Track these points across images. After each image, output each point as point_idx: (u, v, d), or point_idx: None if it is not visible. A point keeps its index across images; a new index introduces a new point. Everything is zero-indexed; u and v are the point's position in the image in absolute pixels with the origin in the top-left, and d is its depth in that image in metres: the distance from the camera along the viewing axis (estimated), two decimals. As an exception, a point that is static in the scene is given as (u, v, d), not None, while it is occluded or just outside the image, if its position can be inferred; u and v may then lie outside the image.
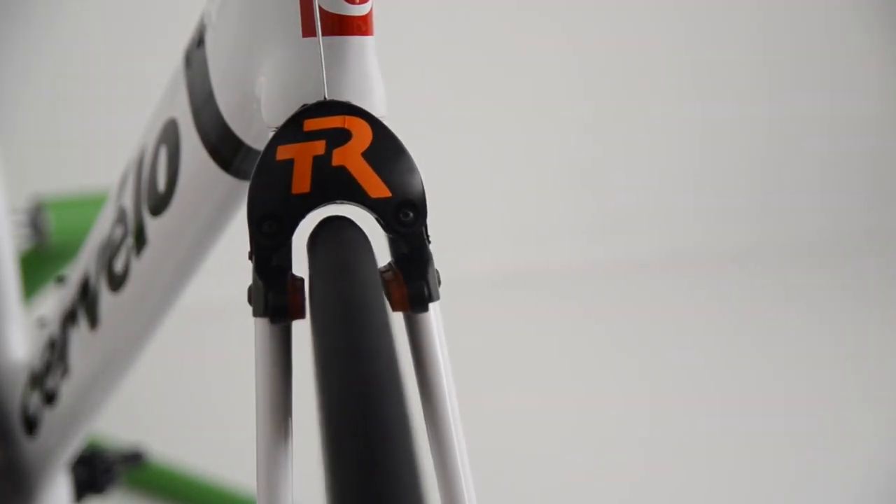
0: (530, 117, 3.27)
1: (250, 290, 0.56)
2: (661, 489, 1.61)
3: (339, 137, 0.56)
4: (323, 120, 0.56)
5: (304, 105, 0.57)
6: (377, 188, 0.56)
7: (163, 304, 0.78)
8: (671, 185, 3.54)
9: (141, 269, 0.76)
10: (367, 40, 0.58)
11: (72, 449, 0.96)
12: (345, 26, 0.57)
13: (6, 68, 2.58)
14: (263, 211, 0.55)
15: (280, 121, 0.58)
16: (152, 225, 0.73)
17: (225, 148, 0.66)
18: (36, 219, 1.39)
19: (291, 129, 0.55)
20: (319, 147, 0.55)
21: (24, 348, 1.07)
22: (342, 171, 0.55)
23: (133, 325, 0.80)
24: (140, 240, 0.74)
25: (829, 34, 3.71)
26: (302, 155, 0.55)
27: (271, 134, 0.59)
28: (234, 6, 0.62)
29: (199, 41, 0.67)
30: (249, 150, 0.66)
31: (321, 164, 0.55)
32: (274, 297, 0.54)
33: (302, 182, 0.55)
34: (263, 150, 0.56)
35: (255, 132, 0.64)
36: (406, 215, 0.56)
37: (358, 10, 0.57)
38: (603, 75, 3.52)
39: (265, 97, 0.59)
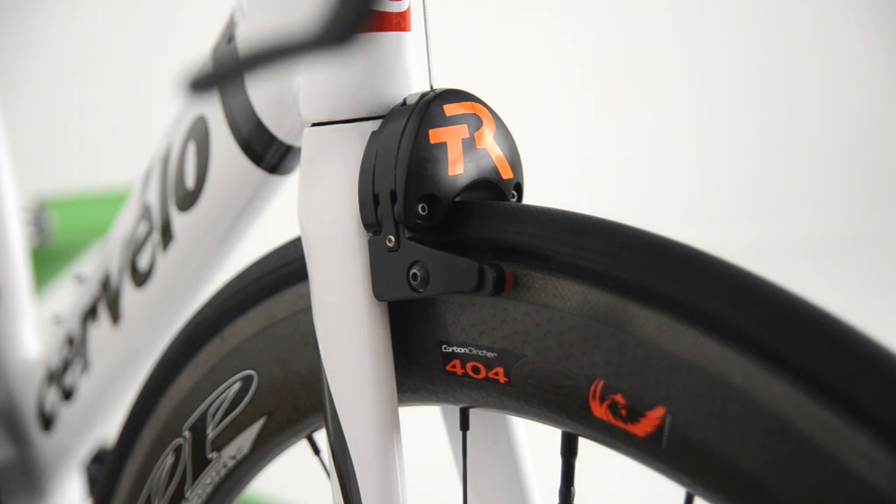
0: (545, 111, 3.29)
1: (418, 272, 0.56)
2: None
3: (475, 122, 0.58)
4: (459, 105, 0.57)
5: (423, 92, 0.58)
6: (506, 169, 0.59)
7: (187, 299, 0.79)
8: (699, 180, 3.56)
9: (167, 264, 0.76)
10: (406, 36, 0.59)
11: (88, 445, 0.97)
12: (384, 22, 0.58)
13: (8, 68, 2.58)
14: (423, 192, 0.56)
15: (318, 117, 0.59)
16: (180, 220, 0.74)
17: (257, 143, 0.67)
18: (39, 218, 1.39)
19: (435, 114, 0.56)
20: (464, 131, 0.57)
21: (37, 346, 1.08)
22: (484, 153, 0.58)
23: (156, 320, 0.81)
24: (167, 236, 0.75)
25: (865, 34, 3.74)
26: (453, 138, 0.56)
27: (307, 129, 0.60)
28: (269, 4, 0.63)
29: (228, 38, 0.68)
30: (281, 144, 0.67)
31: (469, 147, 0.57)
32: (493, 270, 0.54)
33: (456, 163, 0.57)
34: (412, 135, 0.56)
35: (288, 127, 0.65)
36: (513, 195, 0.59)
37: (396, 7, 0.58)
38: (613, 68, 3.54)
39: (304, 93, 0.60)
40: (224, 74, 0.45)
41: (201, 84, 0.45)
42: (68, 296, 0.98)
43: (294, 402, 0.66)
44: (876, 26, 3.87)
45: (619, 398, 0.50)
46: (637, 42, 3.80)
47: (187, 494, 0.73)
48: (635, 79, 3.79)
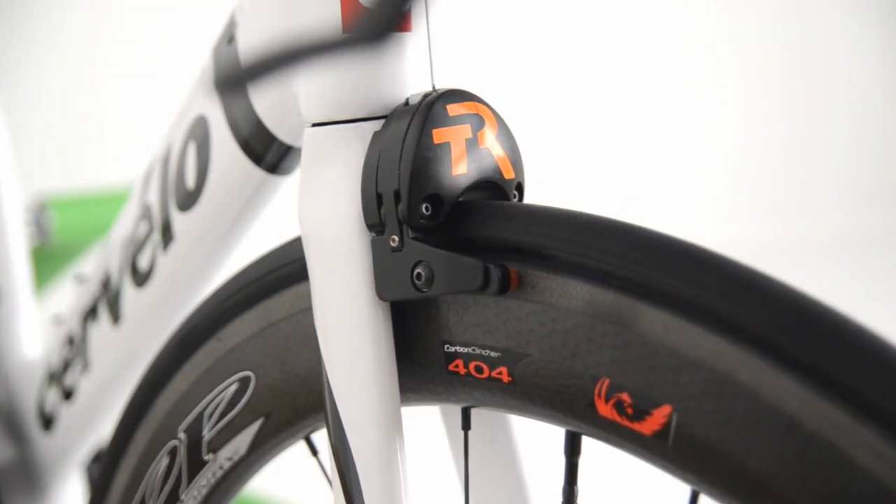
0: (546, 107, 3.29)
1: (422, 272, 0.56)
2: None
3: (477, 122, 0.58)
4: (461, 105, 0.57)
5: (426, 92, 0.58)
6: (508, 169, 0.59)
7: (187, 299, 0.79)
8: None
9: (167, 264, 0.77)
10: (406, 36, 0.59)
11: (88, 445, 0.97)
12: None
13: (9, 68, 2.58)
14: (427, 192, 0.56)
15: (319, 117, 0.59)
16: (180, 220, 0.74)
17: (258, 143, 0.67)
18: (39, 218, 1.39)
19: (438, 114, 0.56)
20: (467, 131, 0.57)
21: (37, 346, 1.08)
22: (487, 153, 0.58)
23: (156, 320, 0.81)
24: (167, 235, 0.75)
25: None
26: (456, 138, 0.57)
27: (307, 129, 0.60)
28: (270, 3, 0.63)
29: (229, 39, 0.68)
30: (282, 144, 0.67)
31: (472, 147, 0.57)
32: (498, 269, 0.54)
33: (460, 163, 0.57)
34: (416, 135, 0.56)
35: (289, 128, 0.66)
36: (514, 195, 0.60)
37: (398, 7, 0.58)
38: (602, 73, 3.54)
39: (305, 94, 0.60)
40: (252, 73, 0.45)
41: (230, 82, 0.44)
42: (68, 296, 0.98)
43: (292, 403, 0.66)
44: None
45: (625, 397, 0.51)
46: (637, 41, 3.80)
47: (182, 496, 0.72)
48: (643, 78, 3.78)
